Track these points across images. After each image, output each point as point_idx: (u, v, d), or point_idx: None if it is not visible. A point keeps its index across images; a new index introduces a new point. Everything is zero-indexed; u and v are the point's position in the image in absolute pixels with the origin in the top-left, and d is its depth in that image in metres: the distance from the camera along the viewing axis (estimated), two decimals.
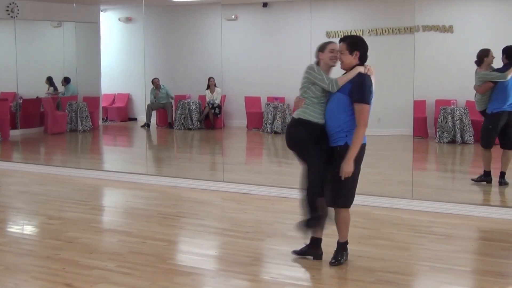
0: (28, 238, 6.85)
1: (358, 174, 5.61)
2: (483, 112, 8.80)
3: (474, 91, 8.88)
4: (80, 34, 16.65)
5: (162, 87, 15.56)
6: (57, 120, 15.61)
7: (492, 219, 7.29)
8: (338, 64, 5.65)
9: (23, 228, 7.31)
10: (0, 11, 14.45)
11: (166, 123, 15.87)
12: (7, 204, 8.52)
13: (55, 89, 16.26)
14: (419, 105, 12.20)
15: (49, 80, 16.37)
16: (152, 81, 15.36)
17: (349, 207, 5.66)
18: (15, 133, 15.04)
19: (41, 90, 16.19)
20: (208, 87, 15.53)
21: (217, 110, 15.47)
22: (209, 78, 15.25)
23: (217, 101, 15.41)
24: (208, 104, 15.47)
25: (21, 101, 15.87)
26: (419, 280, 5.46)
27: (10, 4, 14.33)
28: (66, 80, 16.33)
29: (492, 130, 8.65)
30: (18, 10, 14.48)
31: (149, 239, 6.53)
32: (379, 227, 7.03)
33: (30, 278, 5.41)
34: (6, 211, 8.14)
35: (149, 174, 10.09)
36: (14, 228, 7.33)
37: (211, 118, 15.56)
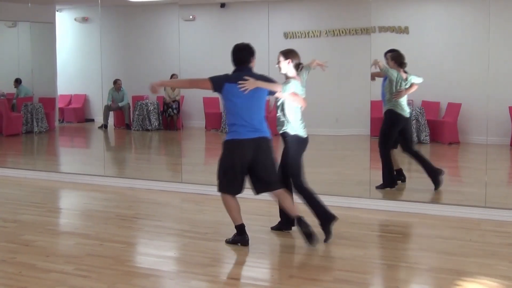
0: None
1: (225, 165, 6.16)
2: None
3: (428, 92, 9.02)
4: (36, 34, 16.40)
5: (121, 89, 15.41)
6: (12, 121, 15.37)
7: (447, 217, 7.40)
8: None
9: None
10: None
11: (124, 124, 15.74)
12: None
13: None
14: (376, 105, 12.26)
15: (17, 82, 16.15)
16: (115, 82, 15.12)
17: (220, 192, 6.25)
18: None
19: None
20: None
21: (175, 111, 15.36)
22: (172, 75, 14.96)
23: (177, 98, 15.23)
24: (165, 105, 15.31)
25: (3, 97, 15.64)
26: (377, 279, 5.51)
27: None
28: (18, 81, 16.09)
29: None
30: None
31: (106, 241, 6.47)
32: (337, 226, 7.07)
33: None
34: None
35: (107, 175, 10.01)
36: None
37: (169, 119, 15.42)
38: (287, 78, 6.43)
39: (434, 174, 8.60)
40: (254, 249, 6.16)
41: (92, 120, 17.17)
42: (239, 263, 5.81)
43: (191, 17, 15.37)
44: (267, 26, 10.01)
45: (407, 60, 8.66)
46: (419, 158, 8.78)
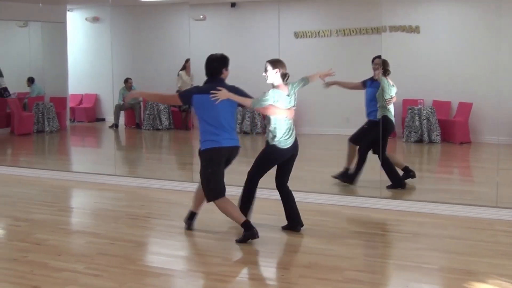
0: None
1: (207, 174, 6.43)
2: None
3: (439, 91, 9.01)
4: (47, 34, 16.46)
5: (133, 88, 15.43)
6: (24, 120, 15.45)
7: (458, 217, 7.38)
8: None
9: None
10: None
11: (134, 124, 15.77)
12: None
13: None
14: None
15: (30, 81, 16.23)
16: (126, 81, 15.13)
17: (214, 199, 6.50)
18: None
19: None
20: (184, 68, 14.39)
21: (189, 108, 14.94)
22: (187, 60, 14.36)
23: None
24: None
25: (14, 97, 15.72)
26: (387, 279, 5.51)
27: None
28: (30, 80, 16.17)
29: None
30: None
31: (118, 240, 6.50)
32: (347, 226, 7.08)
33: None
34: None
35: (118, 175, 10.04)
36: None
37: (184, 115, 15.11)
38: (273, 87, 6.56)
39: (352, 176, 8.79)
40: (264, 249, 6.17)
41: (103, 120, 17.23)
42: (250, 263, 5.82)
43: (201, 16, 15.37)
44: (278, 26, 10.02)
45: (418, 59, 8.65)
46: (386, 161, 8.78)
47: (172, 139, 15.49)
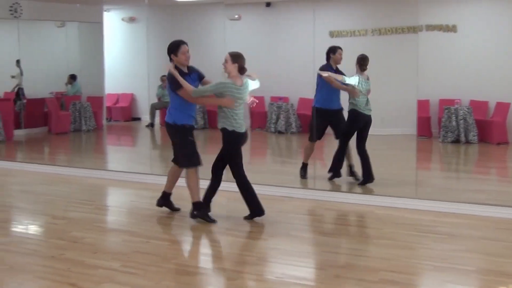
0: (33, 238, 6.86)
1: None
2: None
3: (476, 91, 8.92)
4: (84, 34, 16.70)
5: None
6: (61, 120, 15.65)
7: (494, 218, 7.30)
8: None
9: (28, 228, 7.33)
10: (3, 11, 14.47)
11: None
12: (11, 204, 8.55)
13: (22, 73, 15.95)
14: (422, 105, 12.19)
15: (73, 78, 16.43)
16: (162, 78, 15.15)
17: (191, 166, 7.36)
18: (19, 133, 15.07)
19: (45, 90, 16.21)
20: None
21: None
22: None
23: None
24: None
25: (25, 101, 15.89)
26: (423, 280, 5.47)
27: (14, 4, 14.35)
28: (73, 77, 16.38)
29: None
30: (21, 10, 14.50)
31: (153, 238, 6.55)
32: (381, 226, 7.04)
33: (34, 278, 5.43)
34: (10, 211, 8.17)
35: (154, 173, 10.10)
36: (18, 228, 7.35)
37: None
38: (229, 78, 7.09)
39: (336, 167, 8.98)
40: (299, 249, 6.17)
41: (139, 119, 17.38)
42: (284, 262, 5.81)
43: (236, 16, 15.42)
44: (313, 25, 10.00)
45: (455, 59, 8.57)
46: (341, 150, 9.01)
47: (207, 139, 15.53)
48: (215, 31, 14.95)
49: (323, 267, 5.70)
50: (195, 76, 7.39)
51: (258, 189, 8.37)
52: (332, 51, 8.98)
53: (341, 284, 5.16)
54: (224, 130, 7.11)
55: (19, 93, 15.69)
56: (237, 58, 7.07)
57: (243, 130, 7.15)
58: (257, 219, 7.12)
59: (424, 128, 12.83)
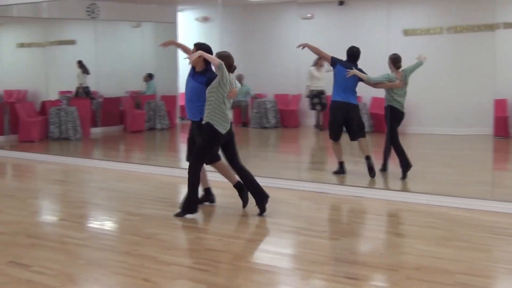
0: (108, 234, 7.02)
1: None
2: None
3: None
4: (158, 34, 16.97)
5: (244, 84, 15.41)
6: (136, 118, 15.95)
7: None
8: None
9: (103, 224, 7.50)
10: (81, 12, 14.86)
11: (241, 122, 15.88)
12: (88, 200, 8.76)
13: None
14: (500, 104, 11.91)
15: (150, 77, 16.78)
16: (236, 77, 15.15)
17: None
18: (95, 131, 15.47)
19: (121, 89, 16.57)
20: (316, 64, 12.89)
21: (323, 100, 13.04)
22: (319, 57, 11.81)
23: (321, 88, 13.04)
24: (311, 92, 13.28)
25: (102, 100, 16.29)
26: (499, 283, 5.35)
27: (91, 5, 14.71)
28: (150, 76, 16.68)
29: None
30: (98, 11, 14.85)
31: (225, 236, 6.60)
32: (456, 228, 6.90)
33: (109, 272, 5.55)
34: (87, 207, 8.37)
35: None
36: (94, 224, 7.53)
37: (317, 114, 13.82)
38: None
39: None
40: (371, 250, 6.12)
41: None
42: (356, 263, 5.77)
43: (309, 15, 15.38)
44: (387, 24, 9.89)
45: None
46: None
47: (279, 137, 15.56)
48: (288, 31, 14.97)
49: (395, 269, 5.63)
50: (203, 79, 7.63)
51: (331, 189, 8.33)
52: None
53: (413, 286, 5.09)
54: (207, 124, 7.25)
55: (78, 92, 16.07)
56: (222, 58, 7.32)
57: (225, 131, 7.25)
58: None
59: (501, 128, 12.50)
